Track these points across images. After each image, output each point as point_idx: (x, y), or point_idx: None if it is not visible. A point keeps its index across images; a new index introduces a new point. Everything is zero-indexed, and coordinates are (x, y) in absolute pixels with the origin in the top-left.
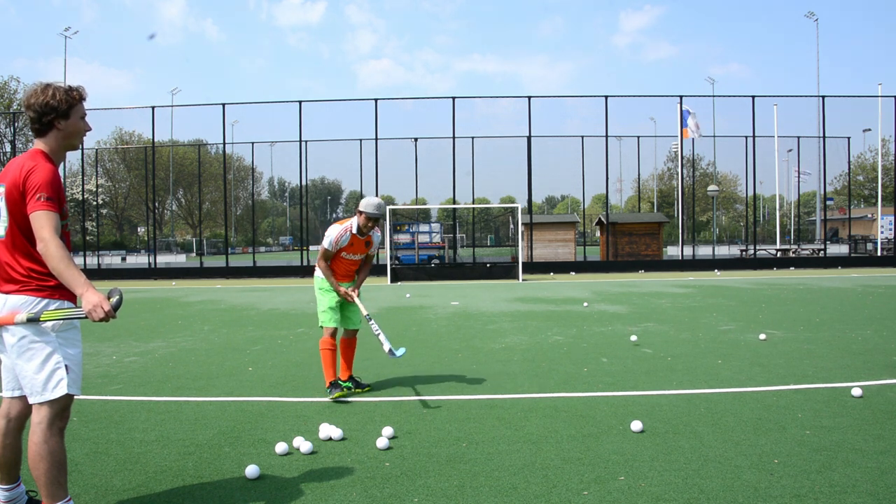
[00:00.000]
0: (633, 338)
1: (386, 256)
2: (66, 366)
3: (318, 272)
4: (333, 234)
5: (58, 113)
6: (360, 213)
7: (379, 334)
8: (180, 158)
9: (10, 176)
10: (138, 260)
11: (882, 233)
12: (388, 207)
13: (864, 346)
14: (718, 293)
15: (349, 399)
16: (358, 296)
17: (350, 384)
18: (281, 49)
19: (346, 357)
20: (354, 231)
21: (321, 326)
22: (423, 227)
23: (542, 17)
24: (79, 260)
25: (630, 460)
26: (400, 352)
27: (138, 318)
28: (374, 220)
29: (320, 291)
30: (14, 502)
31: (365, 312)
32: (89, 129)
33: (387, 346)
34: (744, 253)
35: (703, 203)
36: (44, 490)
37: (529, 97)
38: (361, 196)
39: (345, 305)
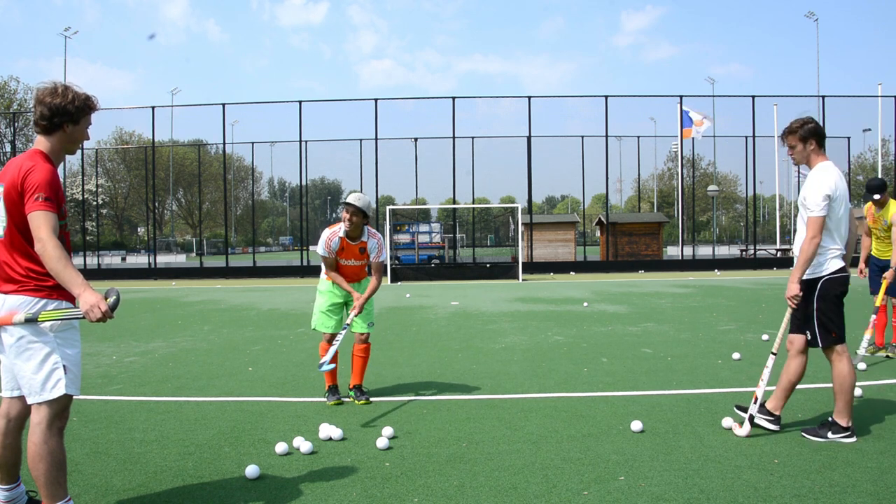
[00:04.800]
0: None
1: (386, 256)
2: (64, 366)
3: (322, 275)
4: (323, 239)
5: (70, 118)
6: (344, 204)
7: (337, 342)
8: (180, 158)
9: (8, 176)
10: (138, 260)
11: None
12: (388, 207)
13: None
14: (718, 293)
15: (349, 399)
16: (361, 310)
17: (354, 393)
18: (283, 49)
19: (356, 365)
20: (342, 234)
21: (313, 329)
22: (423, 227)
23: (544, 17)
24: (79, 260)
25: (630, 460)
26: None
27: (138, 318)
28: (353, 213)
29: (319, 293)
30: (14, 502)
31: (347, 322)
32: (88, 139)
33: (329, 356)
34: (744, 253)
35: (703, 203)
36: (43, 490)
37: (529, 97)
38: None
39: (347, 309)
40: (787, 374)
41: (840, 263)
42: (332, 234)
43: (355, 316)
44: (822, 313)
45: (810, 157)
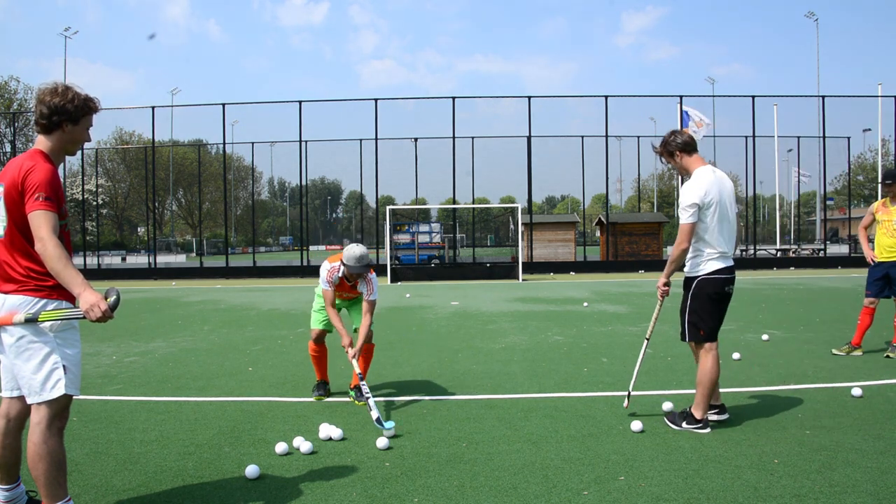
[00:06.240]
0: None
1: (386, 256)
2: (63, 366)
3: (321, 281)
4: (325, 273)
5: (69, 117)
6: (343, 263)
7: (369, 398)
8: (180, 158)
9: (9, 175)
10: (138, 260)
11: None
12: (388, 207)
13: (864, 346)
14: None
15: (349, 399)
16: (354, 356)
17: (354, 393)
18: (284, 50)
19: (361, 365)
20: (341, 275)
21: (312, 328)
22: (423, 227)
23: (545, 17)
24: (79, 260)
25: (630, 460)
26: (388, 424)
27: (138, 318)
28: (355, 272)
29: (317, 295)
30: (14, 502)
31: (357, 370)
32: (89, 140)
33: (374, 414)
34: (744, 253)
35: None
36: (43, 490)
37: (529, 97)
38: (361, 196)
39: (349, 307)
40: (700, 373)
41: (718, 265)
42: (332, 270)
43: (353, 358)
44: (693, 311)
45: (684, 166)
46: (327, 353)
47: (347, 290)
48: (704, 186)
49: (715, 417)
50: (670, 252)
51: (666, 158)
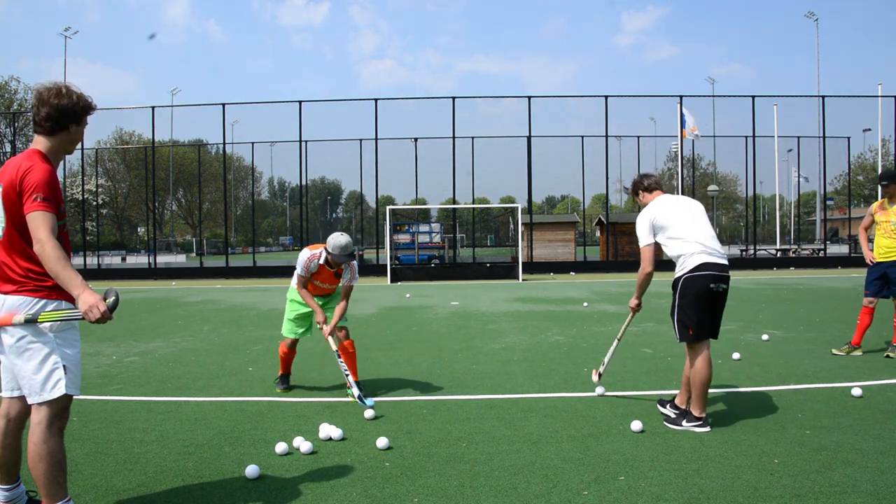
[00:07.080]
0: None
1: (386, 256)
2: (64, 366)
3: (293, 283)
4: (303, 259)
5: (76, 118)
6: (328, 252)
7: (347, 375)
8: (180, 158)
9: (6, 176)
10: (138, 260)
11: None
12: (388, 207)
13: (864, 346)
14: None
15: (349, 399)
16: (330, 333)
17: (351, 391)
18: (284, 50)
19: (348, 364)
20: (322, 261)
21: (282, 333)
22: (423, 227)
23: (545, 17)
24: (79, 260)
25: (630, 460)
26: (369, 401)
27: (138, 318)
28: (339, 261)
29: (289, 301)
30: (14, 502)
31: (334, 348)
32: (82, 139)
33: (356, 392)
34: (744, 253)
35: (703, 203)
36: (43, 490)
37: (529, 97)
38: (361, 196)
39: (325, 303)
40: (686, 372)
41: (698, 261)
42: (312, 257)
43: (330, 334)
44: (681, 311)
45: (645, 203)
46: (294, 355)
47: (329, 278)
48: (649, 210)
49: (670, 413)
50: (668, 256)
51: (635, 198)
